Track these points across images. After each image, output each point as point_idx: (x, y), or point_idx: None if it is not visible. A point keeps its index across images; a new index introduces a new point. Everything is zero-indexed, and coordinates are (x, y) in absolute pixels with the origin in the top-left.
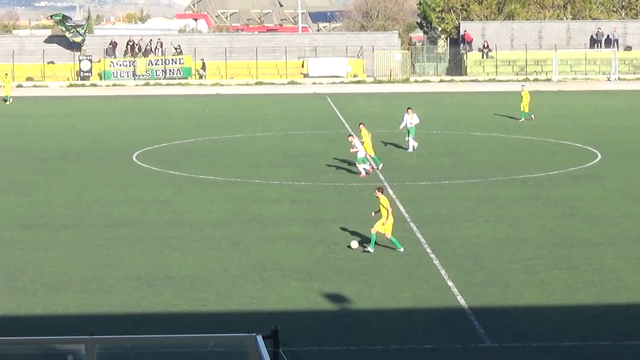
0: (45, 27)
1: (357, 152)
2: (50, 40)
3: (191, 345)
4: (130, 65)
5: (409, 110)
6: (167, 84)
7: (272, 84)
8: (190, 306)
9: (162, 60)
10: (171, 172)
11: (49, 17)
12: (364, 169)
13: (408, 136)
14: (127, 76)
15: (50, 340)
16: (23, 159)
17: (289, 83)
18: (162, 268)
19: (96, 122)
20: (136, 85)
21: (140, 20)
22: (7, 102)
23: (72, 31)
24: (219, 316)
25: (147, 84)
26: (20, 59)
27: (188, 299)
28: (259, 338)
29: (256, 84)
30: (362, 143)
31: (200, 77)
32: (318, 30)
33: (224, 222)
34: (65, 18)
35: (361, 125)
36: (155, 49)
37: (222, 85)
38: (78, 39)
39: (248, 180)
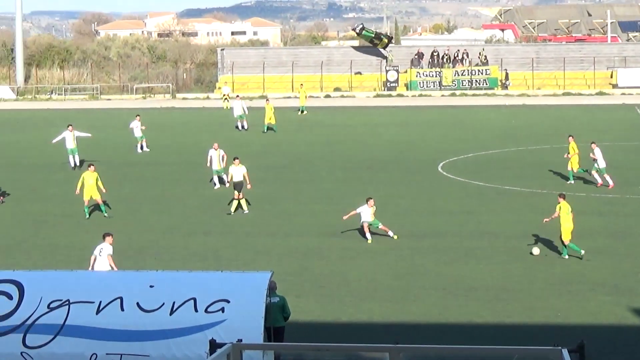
0: (352, 38)
1: (596, 160)
2: (357, 51)
3: (495, 357)
4: (436, 76)
5: None
6: (473, 95)
7: (580, 94)
8: (494, 317)
9: (468, 70)
10: (476, 183)
11: (356, 32)
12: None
13: None
14: (433, 86)
15: (355, 348)
16: (331, 168)
17: (597, 94)
18: (467, 279)
19: (402, 132)
20: (442, 95)
21: (447, 31)
22: (302, 113)
23: (378, 41)
24: (523, 328)
25: (453, 95)
26: (328, 69)
27: (492, 310)
28: (565, 352)
29: (563, 94)
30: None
31: (505, 87)
32: (628, 40)
33: (529, 234)
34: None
35: (570, 138)
36: (462, 60)
37: (528, 95)
38: (381, 45)
39: (554, 192)
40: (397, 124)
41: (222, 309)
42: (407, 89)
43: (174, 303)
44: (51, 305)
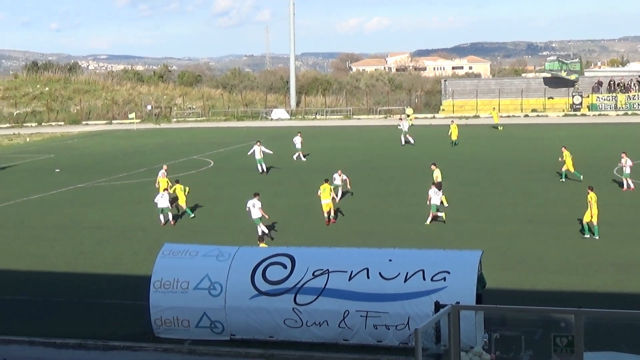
0: (546, 70)
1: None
2: (550, 80)
3: None
4: (612, 100)
5: None
6: None
7: None
8: None
9: (638, 95)
10: None
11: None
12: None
13: None
14: (610, 108)
15: (547, 310)
16: (528, 171)
17: None
18: (635, 257)
19: (585, 143)
20: (617, 115)
21: (621, 64)
22: (497, 129)
23: (566, 69)
24: None
25: (625, 114)
26: (526, 95)
27: None
28: None
29: None
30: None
31: None
32: None
33: None
34: (561, 61)
35: (563, 148)
36: (634, 87)
37: None
38: (572, 77)
39: None
40: (581, 137)
41: (444, 278)
42: (589, 110)
43: (407, 273)
44: (315, 273)
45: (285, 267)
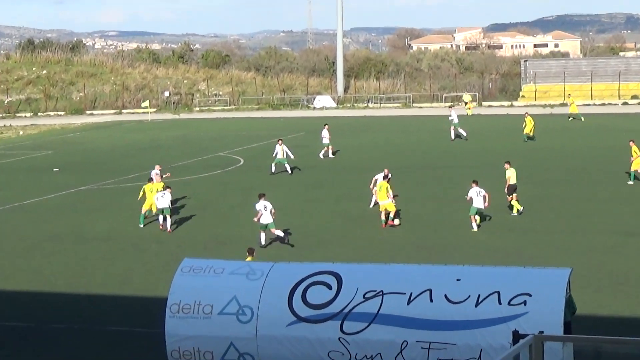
0: None
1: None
2: None
3: None
4: None
5: None
6: None
7: None
8: None
9: None
10: None
11: None
12: None
13: None
14: None
15: None
16: (618, 171)
17: None
18: None
19: None
20: None
21: None
22: (571, 119)
23: None
24: None
25: None
26: (626, 78)
27: None
28: None
29: None
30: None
31: None
32: None
33: None
34: None
35: (631, 142)
36: None
37: None
38: None
39: None
40: None
41: (524, 302)
42: None
43: (479, 296)
44: (366, 295)
45: (330, 287)
